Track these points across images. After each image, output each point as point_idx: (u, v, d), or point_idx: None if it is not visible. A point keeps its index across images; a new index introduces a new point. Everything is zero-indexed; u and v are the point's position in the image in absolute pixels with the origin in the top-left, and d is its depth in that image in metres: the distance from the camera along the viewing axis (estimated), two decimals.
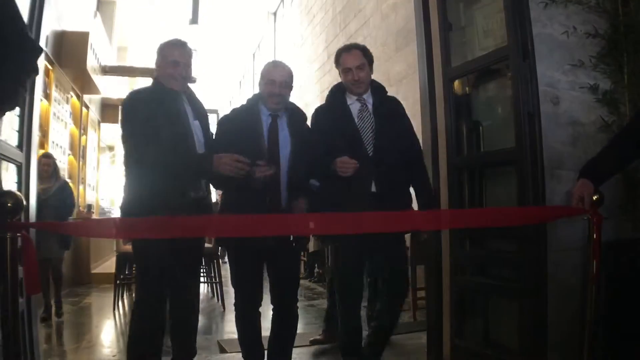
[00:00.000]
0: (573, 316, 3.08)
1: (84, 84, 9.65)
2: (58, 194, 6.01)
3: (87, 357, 4.54)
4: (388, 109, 3.38)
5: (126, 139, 3.04)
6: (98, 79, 9.86)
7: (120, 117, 3.10)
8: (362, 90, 3.37)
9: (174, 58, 3.11)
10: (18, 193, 2.33)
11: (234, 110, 3.35)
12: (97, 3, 11.52)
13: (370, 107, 3.36)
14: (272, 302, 3.25)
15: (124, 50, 16.05)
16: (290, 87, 3.26)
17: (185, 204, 2.94)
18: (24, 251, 2.22)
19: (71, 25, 8.66)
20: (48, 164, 6.05)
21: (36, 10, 3.20)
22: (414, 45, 4.29)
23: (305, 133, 3.28)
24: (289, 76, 3.25)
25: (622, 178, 3.18)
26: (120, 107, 3.11)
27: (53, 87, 8.08)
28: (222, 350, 4.44)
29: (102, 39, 10.82)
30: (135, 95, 3.15)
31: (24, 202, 2.25)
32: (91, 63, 9.07)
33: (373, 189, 3.20)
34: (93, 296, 7.73)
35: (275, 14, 16.05)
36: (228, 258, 3.35)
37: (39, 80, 3.31)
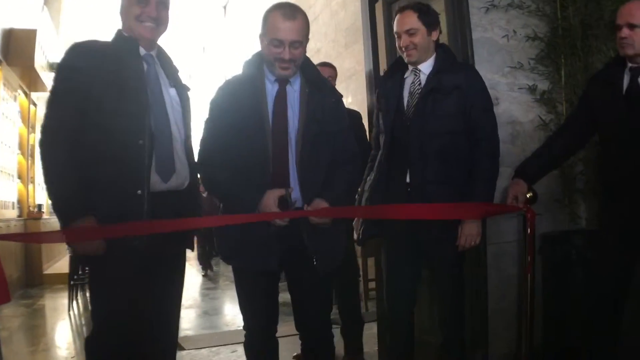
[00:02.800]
0: (511, 305, 3.28)
1: (31, 82, 9.48)
2: None
3: (46, 359, 4.52)
4: (442, 82, 2.66)
5: (52, 110, 2.19)
6: (46, 76, 9.71)
7: (53, 78, 2.29)
8: (415, 60, 2.72)
9: None
10: None
11: (229, 81, 2.52)
12: None
13: (423, 79, 2.73)
14: (297, 329, 2.58)
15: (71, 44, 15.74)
16: (305, 43, 2.39)
17: (141, 195, 2.15)
18: None
19: (18, 20, 8.49)
20: None
21: None
22: (362, 43, 4.40)
23: (328, 105, 2.47)
24: (303, 30, 2.34)
25: (559, 174, 3.37)
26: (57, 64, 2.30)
27: (1, 86, 7.94)
28: (180, 348, 4.48)
29: (50, 34, 10.63)
30: (77, 48, 2.24)
31: None
32: (39, 60, 8.92)
33: (407, 179, 2.70)
34: (46, 298, 7.61)
35: (225, 7, 15.97)
36: (233, 273, 2.63)
37: None
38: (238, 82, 2.46)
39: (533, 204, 2.72)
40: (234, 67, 13.76)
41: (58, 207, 2.12)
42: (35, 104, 10.50)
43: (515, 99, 3.41)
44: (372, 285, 5.29)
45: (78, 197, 2.09)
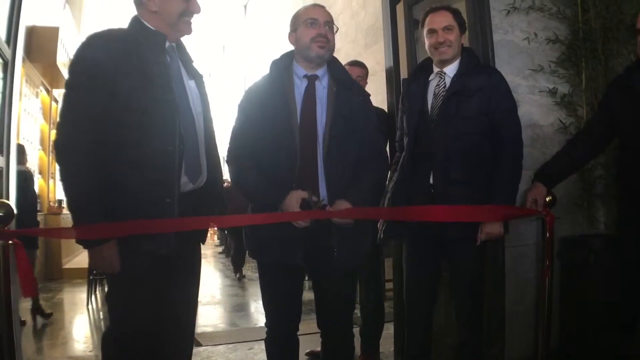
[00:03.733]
0: (529, 307, 3.28)
1: (53, 79, 9.61)
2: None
3: (63, 352, 4.58)
4: (466, 84, 2.67)
5: (70, 107, 2.06)
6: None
7: (68, 70, 2.12)
8: (450, 57, 2.73)
9: None
10: (8, 202, 2.27)
11: (256, 82, 2.57)
12: None
13: (448, 81, 2.74)
14: (318, 326, 2.60)
15: None
16: (334, 33, 2.49)
17: (170, 202, 2.07)
18: (17, 257, 2.09)
19: (40, 18, 8.60)
20: None
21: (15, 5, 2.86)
22: (382, 43, 4.42)
23: (355, 103, 2.49)
24: (332, 18, 2.51)
25: (578, 177, 3.37)
26: (75, 51, 2.12)
27: (23, 82, 8.05)
28: (197, 344, 4.52)
29: (72, 31, 10.76)
30: (95, 39, 2.09)
31: (15, 211, 2.15)
32: (61, 57, 9.03)
33: (430, 180, 2.70)
34: (65, 292, 7.71)
35: (245, 6, 16.04)
36: (258, 269, 2.69)
37: (17, 81, 2.89)
38: (266, 81, 2.51)
39: (552, 208, 2.72)
40: (253, 66, 13.84)
41: (74, 209, 2.02)
42: (56, 101, 10.62)
43: (535, 101, 3.41)
44: (388, 285, 5.30)
45: (95, 201, 1.98)
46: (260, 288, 2.62)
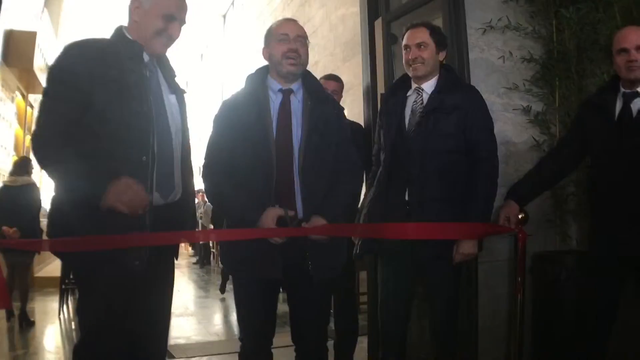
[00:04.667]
0: (502, 322, 3.31)
1: (29, 84, 9.53)
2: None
3: None
4: (444, 101, 2.68)
5: (45, 115, 2.05)
6: (44, 78, 9.74)
7: (46, 76, 2.13)
8: (421, 74, 2.75)
9: (171, 11, 2.18)
10: None
11: (232, 96, 2.59)
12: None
13: (425, 98, 2.75)
14: (293, 340, 2.60)
15: None
16: (307, 46, 2.51)
17: (142, 215, 2.03)
18: None
19: (18, 22, 8.52)
20: None
21: None
22: (360, 57, 4.46)
23: (330, 117, 2.50)
24: (304, 31, 2.52)
25: (550, 194, 3.41)
26: (54, 60, 2.11)
27: None
28: (170, 356, 4.49)
29: (49, 36, 10.67)
30: (74, 48, 2.08)
31: None
32: (38, 62, 8.96)
33: (406, 197, 2.70)
34: (37, 301, 7.58)
35: (225, 16, 16.04)
36: (233, 283, 2.70)
37: None
38: (241, 95, 2.53)
39: (525, 225, 2.76)
40: (231, 75, 13.84)
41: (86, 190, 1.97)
42: (32, 106, 10.55)
43: (509, 119, 3.46)
44: (362, 298, 5.31)
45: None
46: (236, 302, 2.61)
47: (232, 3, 15.01)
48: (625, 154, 2.46)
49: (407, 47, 2.77)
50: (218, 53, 16.22)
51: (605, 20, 3.23)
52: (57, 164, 2.01)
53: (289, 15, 9.58)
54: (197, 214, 2.41)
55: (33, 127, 2.08)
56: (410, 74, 2.81)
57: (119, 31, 2.20)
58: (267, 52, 2.51)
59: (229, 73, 14.29)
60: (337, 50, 7.47)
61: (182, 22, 2.24)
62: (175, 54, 2.29)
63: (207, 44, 17.96)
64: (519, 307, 2.81)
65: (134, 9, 2.18)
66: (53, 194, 2.14)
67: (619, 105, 2.54)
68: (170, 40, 2.23)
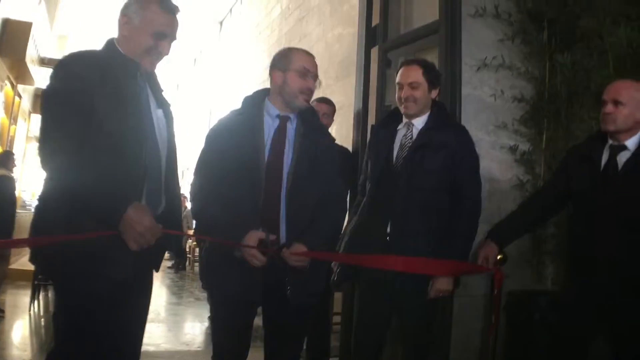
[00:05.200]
0: (473, 357, 3.33)
1: (19, 74, 9.42)
2: None
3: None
4: (432, 139, 2.73)
5: (49, 120, 2.04)
6: (35, 70, 9.66)
7: (48, 85, 2.09)
8: (412, 113, 2.79)
9: (162, 29, 2.17)
10: None
11: (227, 116, 2.60)
12: None
13: (415, 134, 2.79)
14: None
15: (64, 39, 15.73)
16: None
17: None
18: None
19: (15, 11, 8.45)
20: None
21: None
22: (353, 77, 4.50)
23: (321, 147, 2.54)
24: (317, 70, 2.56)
25: (530, 234, 3.45)
26: (51, 73, 2.09)
27: None
28: None
29: (44, 27, 10.61)
30: (73, 63, 2.09)
31: None
32: (30, 53, 8.88)
33: (388, 229, 2.73)
34: (7, 294, 7.43)
35: (221, 23, 16.07)
36: (210, 301, 2.71)
37: None
38: (236, 115, 2.55)
39: (502, 266, 2.79)
40: (222, 82, 13.85)
41: (102, 207, 1.98)
42: (20, 96, 10.45)
43: (496, 157, 3.51)
44: (336, 318, 5.30)
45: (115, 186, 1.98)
46: (212, 320, 2.63)
47: (230, 10, 15.03)
48: (607, 206, 2.49)
49: (400, 84, 2.80)
50: (211, 59, 16.21)
51: (599, 67, 3.29)
52: (65, 173, 1.97)
53: (285, 29, 9.63)
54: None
55: (42, 139, 2.04)
56: (402, 111, 2.84)
57: (112, 45, 2.19)
58: (281, 78, 2.49)
59: (221, 80, 14.29)
60: (331, 69, 7.50)
61: (173, 38, 2.23)
62: (167, 57, 2.28)
63: (201, 49, 17.95)
64: (490, 347, 2.84)
65: (123, 24, 2.17)
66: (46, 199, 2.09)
67: (605, 157, 2.58)
68: (160, 57, 2.23)
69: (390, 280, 2.70)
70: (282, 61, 2.51)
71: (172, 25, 2.22)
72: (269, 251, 2.32)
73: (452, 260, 2.63)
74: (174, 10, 2.22)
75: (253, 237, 2.30)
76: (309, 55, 2.54)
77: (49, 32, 11.50)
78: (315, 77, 2.51)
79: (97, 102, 1.98)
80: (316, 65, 2.53)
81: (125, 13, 2.18)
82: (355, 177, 3.20)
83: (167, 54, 2.23)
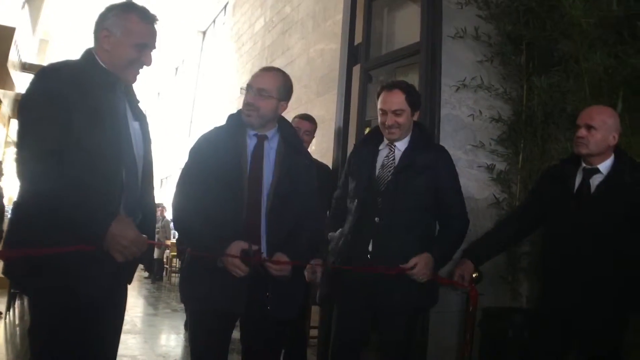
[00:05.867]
0: None
1: (1, 79, 9.36)
2: None
3: None
4: (415, 160, 2.77)
5: (26, 131, 2.01)
6: (16, 75, 9.60)
7: (25, 94, 2.06)
8: (396, 138, 2.82)
9: (144, 40, 2.18)
10: None
11: (210, 132, 2.62)
12: None
13: (397, 155, 2.82)
14: None
15: (46, 44, 15.64)
16: (277, 98, 2.54)
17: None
18: None
19: None
20: None
21: None
22: (334, 93, 4.55)
23: (301, 167, 2.58)
24: (273, 83, 2.54)
25: (504, 253, 3.51)
26: (30, 83, 2.06)
27: None
28: None
29: (27, 32, 10.55)
30: (54, 70, 2.07)
31: None
32: (12, 58, 8.82)
33: (370, 248, 2.76)
34: None
35: (204, 33, 16.09)
36: (188, 314, 2.70)
37: None
38: (220, 133, 2.57)
39: (478, 284, 2.84)
40: (203, 91, 13.86)
41: (84, 220, 1.97)
42: (0, 101, 10.37)
43: (473, 176, 3.58)
44: (313, 332, 5.32)
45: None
46: (191, 332, 2.60)
47: (214, 21, 15.08)
48: (579, 227, 2.56)
49: (383, 111, 2.80)
50: (193, 69, 16.22)
51: (575, 90, 3.37)
52: (41, 185, 1.95)
53: (268, 42, 9.67)
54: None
55: (17, 148, 2.01)
56: (385, 136, 2.85)
57: (91, 56, 2.17)
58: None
59: (202, 89, 14.30)
60: (312, 84, 7.55)
61: (153, 47, 2.24)
62: (150, 66, 2.31)
63: (183, 58, 17.96)
64: None
65: (103, 37, 2.15)
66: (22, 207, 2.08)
67: (578, 180, 2.65)
68: (142, 67, 2.24)
69: (371, 300, 2.73)
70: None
71: (153, 35, 2.22)
72: (252, 260, 2.34)
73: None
74: (152, 19, 2.23)
75: (236, 247, 2.33)
76: (260, 72, 2.59)
77: (31, 36, 11.42)
78: (261, 91, 2.49)
79: (75, 115, 1.97)
80: (263, 78, 2.53)
81: (104, 26, 2.16)
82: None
83: (149, 64, 2.24)
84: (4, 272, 2.09)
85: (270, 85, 2.51)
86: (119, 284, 2.27)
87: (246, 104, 2.50)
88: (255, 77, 2.54)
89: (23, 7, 10.40)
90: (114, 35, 2.14)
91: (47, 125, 1.95)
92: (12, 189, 14.64)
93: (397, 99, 2.77)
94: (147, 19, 2.20)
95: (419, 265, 2.64)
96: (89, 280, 2.02)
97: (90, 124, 2.00)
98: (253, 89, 2.50)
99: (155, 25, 2.24)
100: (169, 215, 11.84)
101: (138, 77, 2.27)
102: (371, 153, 2.89)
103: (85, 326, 2.08)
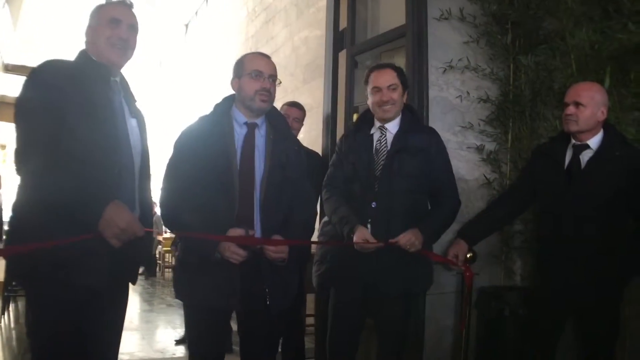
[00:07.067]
0: (447, 353, 3.40)
1: None
2: None
3: None
4: (408, 143, 2.77)
5: (24, 130, 2.05)
6: None
7: (20, 93, 2.07)
8: (392, 116, 2.82)
9: (114, 15, 2.22)
10: None
11: (196, 123, 2.56)
12: None
13: (389, 138, 2.83)
14: None
15: (28, 44, 15.48)
16: (277, 86, 2.57)
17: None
18: None
19: None
20: None
21: None
22: (320, 80, 4.53)
23: (291, 153, 2.57)
24: (275, 69, 2.56)
25: (497, 232, 3.52)
26: (24, 80, 2.09)
27: None
28: None
29: (8, 33, 10.44)
30: (48, 67, 2.11)
31: None
32: None
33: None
34: None
35: (187, 25, 15.97)
36: (185, 310, 2.63)
37: None
38: (206, 123, 2.52)
39: (472, 263, 2.85)
40: (188, 83, 13.78)
41: (79, 207, 1.99)
42: None
43: (463, 157, 3.58)
44: (309, 320, 5.32)
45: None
46: (188, 328, 2.62)
47: (196, 13, 14.94)
48: (571, 203, 2.58)
49: (377, 88, 2.80)
50: (177, 61, 16.11)
51: (561, 68, 3.37)
52: (40, 178, 1.98)
53: (252, 31, 9.61)
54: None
55: (15, 150, 2.04)
56: (378, 115, 2.84)
57: (84, 53, 2.23)
58: (237, 85, 2.52)
59: (187, 81, 14.21)
60: (298, 71, 7.53)
61: (133, 28, 2.27)
62: (133, 58, 2.31)
63: (167, 51, 17.84)
64: (463, 341, 2.90)
65: (85, 33, 2.25)
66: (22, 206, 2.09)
67: (568, 156, 2.67)
68: (125, 46, 2.24)
69: (367, 286, 2.73)
70: (237, 68, 2.54)
71: (125, 12, 2.26)
72: (250, 241, 2.34)
73: (423, 250, 2.70)
74: (123, 2, 2.28)
75: (233, 233, 2.32)
76: (261, 57, 2.55)
77: (13, 37, 11.31)
78: (272, 77, 2.49)
79: (70, 110, 2.00)
80: (271, 65, 2.51)
81: (87, 26, 2.26)
82: None
83: (133, 44, 2.28)
84: (6, 269, 2.09)
85: (276, 72, 2.52)
86: (121, 282, 2.28)
87: (263, 89, 2.45)
88: (265, 65, 2.50)
89: (3, 6, 10.29)
90: (92, 26, 2.24)
91: (42, 122, 1.99)
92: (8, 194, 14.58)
93: (390, 75, 2.79)
94: (118, 2, 2.28)
95: (406, 235, 2.64)
96: (89, 273, 2.04)
97: (85, 116, 2.03)
98: (264, 75, 2.46)
99: (127, 6, 2.29)
100: (159, 210, 11.79)
101: (125, 64, 2.29)
102: (367, 137, 2.88)
103: (86, 322, 2.10)
